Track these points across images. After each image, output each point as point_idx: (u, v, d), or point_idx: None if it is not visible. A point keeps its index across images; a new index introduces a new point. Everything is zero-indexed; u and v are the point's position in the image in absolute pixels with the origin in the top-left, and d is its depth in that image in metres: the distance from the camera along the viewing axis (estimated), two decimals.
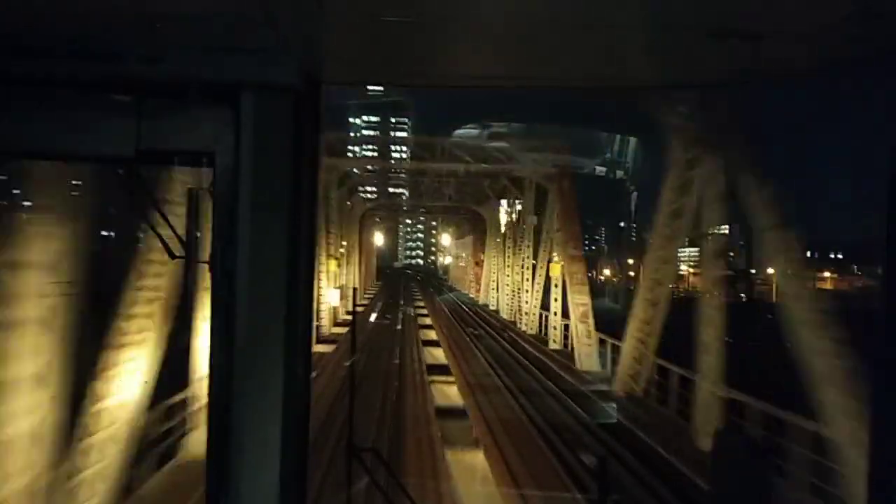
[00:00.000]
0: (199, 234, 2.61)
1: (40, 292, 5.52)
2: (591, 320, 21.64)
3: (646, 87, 3.00)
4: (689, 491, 10.01)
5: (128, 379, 7.47)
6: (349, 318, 28.73)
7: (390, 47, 2.75)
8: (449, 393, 16.57)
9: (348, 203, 38.23)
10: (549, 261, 27.00)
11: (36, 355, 5.44)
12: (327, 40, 2.69)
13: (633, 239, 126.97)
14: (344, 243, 34.27)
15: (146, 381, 7.77)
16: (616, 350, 18.24)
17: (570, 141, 28.45)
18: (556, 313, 25.97)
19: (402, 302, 47.22)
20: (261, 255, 2.55)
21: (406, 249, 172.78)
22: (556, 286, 26.00)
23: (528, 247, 32.34)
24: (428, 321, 33.82)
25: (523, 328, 30.81)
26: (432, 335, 27.90)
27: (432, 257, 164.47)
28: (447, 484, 9.95)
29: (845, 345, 8.76)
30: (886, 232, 2.29)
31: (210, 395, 2.60)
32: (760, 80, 2.90)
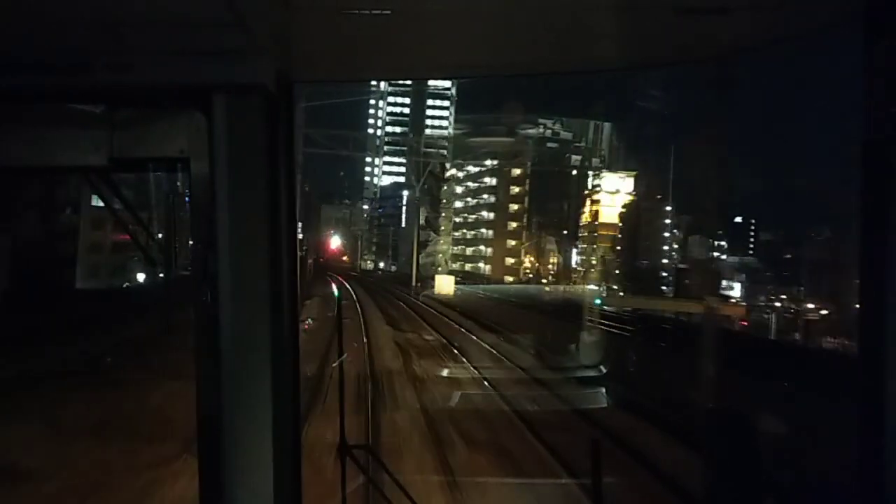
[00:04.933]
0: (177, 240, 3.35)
1: None
2: None
3: (618, 69, 3.61)
4: None
5: None
6: None
7: (361, 42, 3.36)
8: None
9: None
10: None
11: None
12: (298, 39, 3.32)
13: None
14: None
15: None
16: None
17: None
18: None
19: None
20: (242, 258, 3.21)
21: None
22: None
23: None
24: None
25: None
26: None
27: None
28: None
29: None
30: (861, 227, 2.92)
31: (198, 400, 3.28)
32: (729, 55, 3.52)
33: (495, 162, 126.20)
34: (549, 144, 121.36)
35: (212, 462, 3.26)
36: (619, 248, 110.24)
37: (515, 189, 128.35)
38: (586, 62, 3.80)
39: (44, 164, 3.44)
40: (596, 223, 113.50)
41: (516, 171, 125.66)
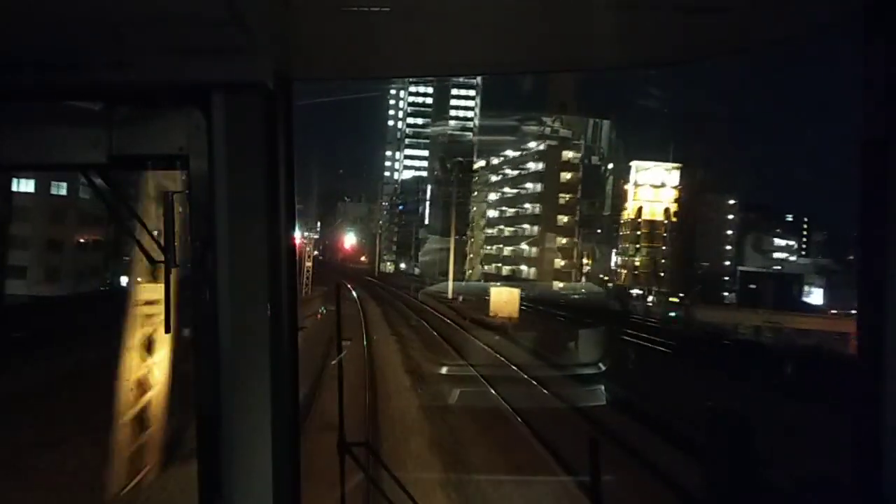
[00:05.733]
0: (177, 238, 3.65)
1: None
2: None
3: (618, 69, 3.91)
4: None
5: None
6: None
7: (361, 40, 3.62)
8: None
9: None
10: None
11: None
12: (296, 36, 3.57)
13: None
14: None
15: None
16: None
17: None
18: None
19: None
20: (241, 256, 3.49)
21: None
22: None
23: None
24: None
25: None
26: None
27: None
28: None
29: None
30: (860, 227, 3.18)
31: (196, 399, 3.57)
32: (729, 55, 3.80)
33: (541, 145, 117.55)
34: (587, 134, 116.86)
35: (211, 462, 3.55)
36: (664, 247, 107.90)
37: (567, 175, 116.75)
38: (586, 61, 4.08)
39: (42, 162, 3.73)
40: (639, 220, 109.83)
41: (568, 154, 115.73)
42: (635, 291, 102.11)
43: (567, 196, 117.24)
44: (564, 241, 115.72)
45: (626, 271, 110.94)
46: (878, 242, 3.13)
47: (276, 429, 3.58)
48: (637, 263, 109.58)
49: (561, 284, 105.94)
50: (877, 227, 3.14)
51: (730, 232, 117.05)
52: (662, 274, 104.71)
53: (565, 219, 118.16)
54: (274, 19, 3.34)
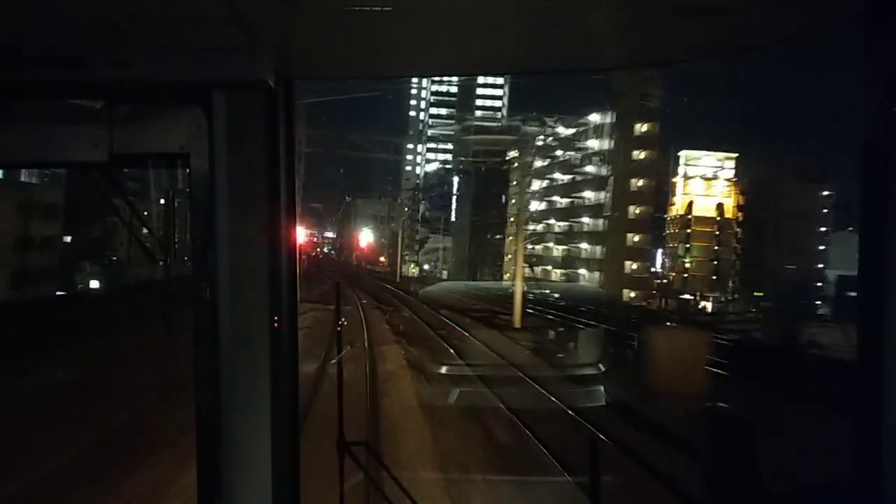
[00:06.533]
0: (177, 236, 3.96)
1: None
2: None
3: (618, 68, 4.23)
4: None
5: None
6: None
7: (362, 39, 3.85)
8: None
9: None
10: None
11: None
12: (297, 35, 3.80)
13: None
14: None
15: None
16: None
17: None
18: None
19: None
20: (241, 255, 3.76)
21: None
22: None
23: None
24: None
25: None
26: None
27: None
28: None
29: None
30: (861, 226, 3.43)
31: (196, 397, 3.82)
32: (729, 55, 4.08)
33: (607, 117, 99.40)
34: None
35: (210, 460, 3.83)
36: (717, 247, 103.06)
37: (641, 155, 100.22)
38: (586, 61, 4.31)
39: (44, 160, 4.05)
40: (689, 217, 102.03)
41: (642, 128, 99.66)
42: (687, 296, 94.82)
43: (641, 182, 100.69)
44: (638, 238, 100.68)
45: (674, 274, 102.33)
46: (878, 242, 3.35)
47: (275, 428, 3.85)
48: (687, 265, 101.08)
49: (633, 293, 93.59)
50: (878, 227, 3.36)
51: (823, 228, 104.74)
52: (715, 277, 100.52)
53: (638, 210, 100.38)
54: (275, 18, 3.55)
